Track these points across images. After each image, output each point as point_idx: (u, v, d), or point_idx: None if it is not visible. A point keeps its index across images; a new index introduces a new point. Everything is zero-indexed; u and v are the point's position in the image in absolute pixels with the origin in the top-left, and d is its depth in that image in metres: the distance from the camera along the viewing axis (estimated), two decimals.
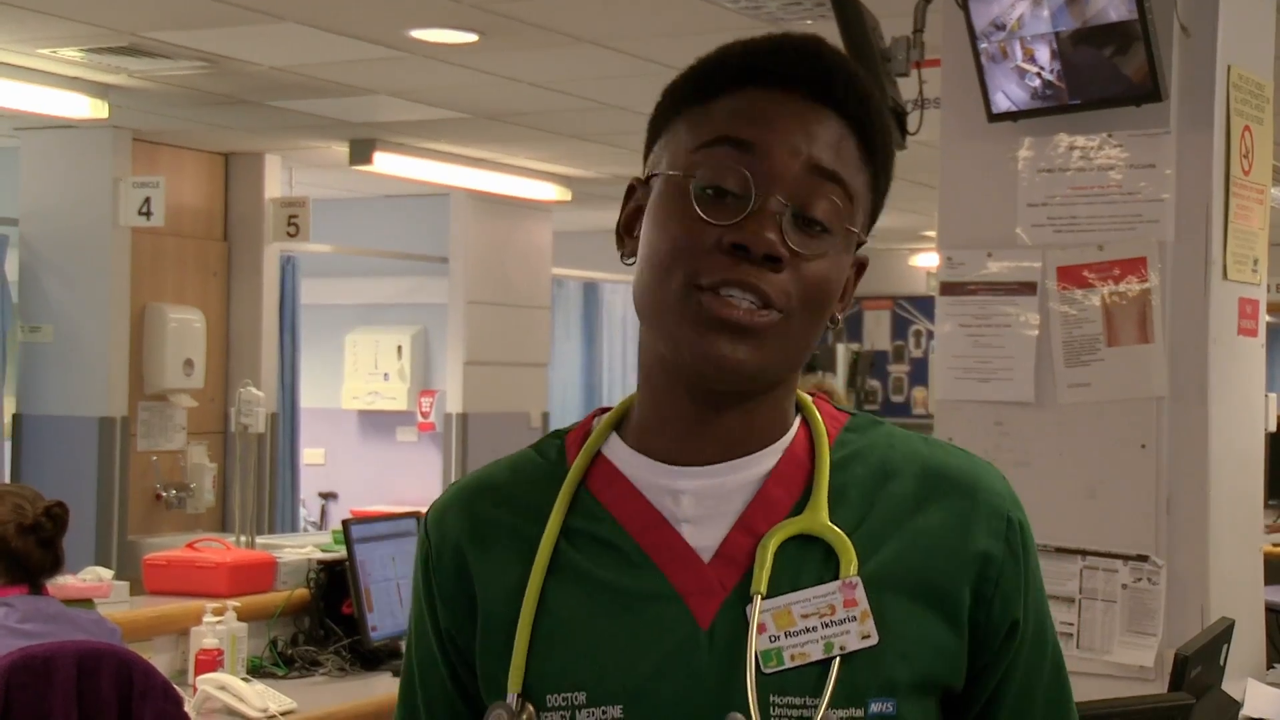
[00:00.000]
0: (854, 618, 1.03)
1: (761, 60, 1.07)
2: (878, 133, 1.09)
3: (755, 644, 1.02)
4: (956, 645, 1.07)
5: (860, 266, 1.12)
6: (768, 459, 1.09)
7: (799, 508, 1.07)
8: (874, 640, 1.03)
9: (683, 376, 1.07)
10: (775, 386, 1.08)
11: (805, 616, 1.03)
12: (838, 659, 1.02)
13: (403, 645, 4.06)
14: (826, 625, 1.03)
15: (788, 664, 1.03)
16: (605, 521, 1.08)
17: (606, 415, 1.14)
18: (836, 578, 1.05)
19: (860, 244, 1.10)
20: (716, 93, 1.07)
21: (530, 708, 1.05)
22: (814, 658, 1.03)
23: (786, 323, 1.04)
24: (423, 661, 1.15)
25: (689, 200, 1.04)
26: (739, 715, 1.01)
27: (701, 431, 1.07)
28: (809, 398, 1.13)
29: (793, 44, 1.08)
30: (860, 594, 1.04)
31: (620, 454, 1.10)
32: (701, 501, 1.07)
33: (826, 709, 1.01)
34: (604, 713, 1.03)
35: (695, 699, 1.03)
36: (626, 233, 1.12)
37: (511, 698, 1.05)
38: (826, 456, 1.09)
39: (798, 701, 1.02)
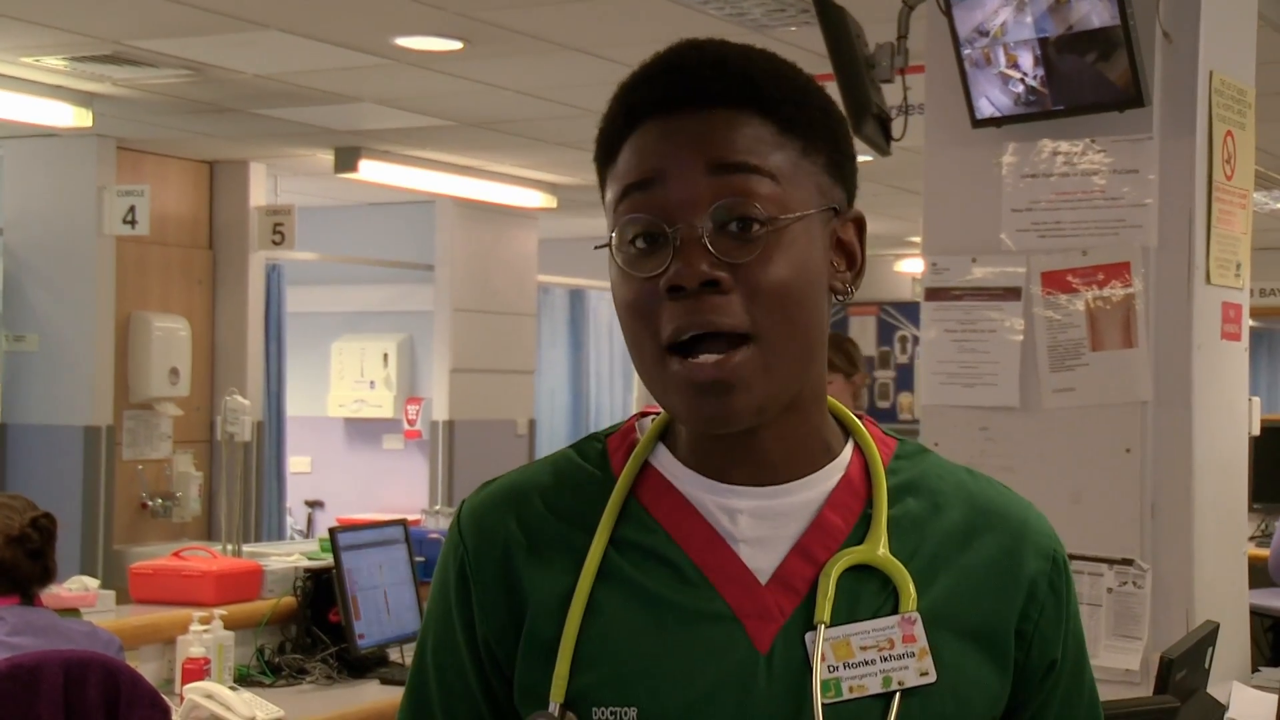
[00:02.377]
0: (913, 654, 1.03)
1: (640, 96, 1.05)
2: (782, 102, 1.03)
3: (819, 672, 1.01)
4: (1001, 686, 1.07)
5: (858, 224, 1.08)
6: (823, 482, 1.07)
7: (856, 536, 1.06)
8: (932, 678, 1.03)
9: None
10: (797, 401, 1.05)
11: (864, 649, 1.03)
12: (898, 694, 1.02)
13: (390, 653, 4.07)
14: (885, 659, 1.02)
15: (846, 695, 1.01)
16: (658, 534, 1.06)
17: (652, 424, 1.11)
18: (894, 610, 1.04)
19: (837, 205, 1.06)
20: (618, 145, 1.06)
21: (573, 716, 1.02)
22: (872, 690, 1.02)
23: (762, 346, 1.01)
24: (446, 674, 1.10)
25: (623, 266, 1.03)
26: None
27: (745, 455, 1.06)
28: (856, 418, 1.11)
29: (661, 64, 1.06)
30: (919, 630, 1.03)
31: (670, 467, 1.08)
32: (759, 523, 1.05)
33: None
34: None
35: None
36: None
37: (554, 706, 1.02)
38: (884, 489, 1.07)
39: None
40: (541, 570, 1.06)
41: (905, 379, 11.65)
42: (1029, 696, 1.09)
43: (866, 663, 1.02)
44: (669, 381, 1.02)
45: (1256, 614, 4.91)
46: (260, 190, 7.53)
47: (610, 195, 1.06)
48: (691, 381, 1.00)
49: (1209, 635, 2.37)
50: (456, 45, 5.02)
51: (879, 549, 1.05)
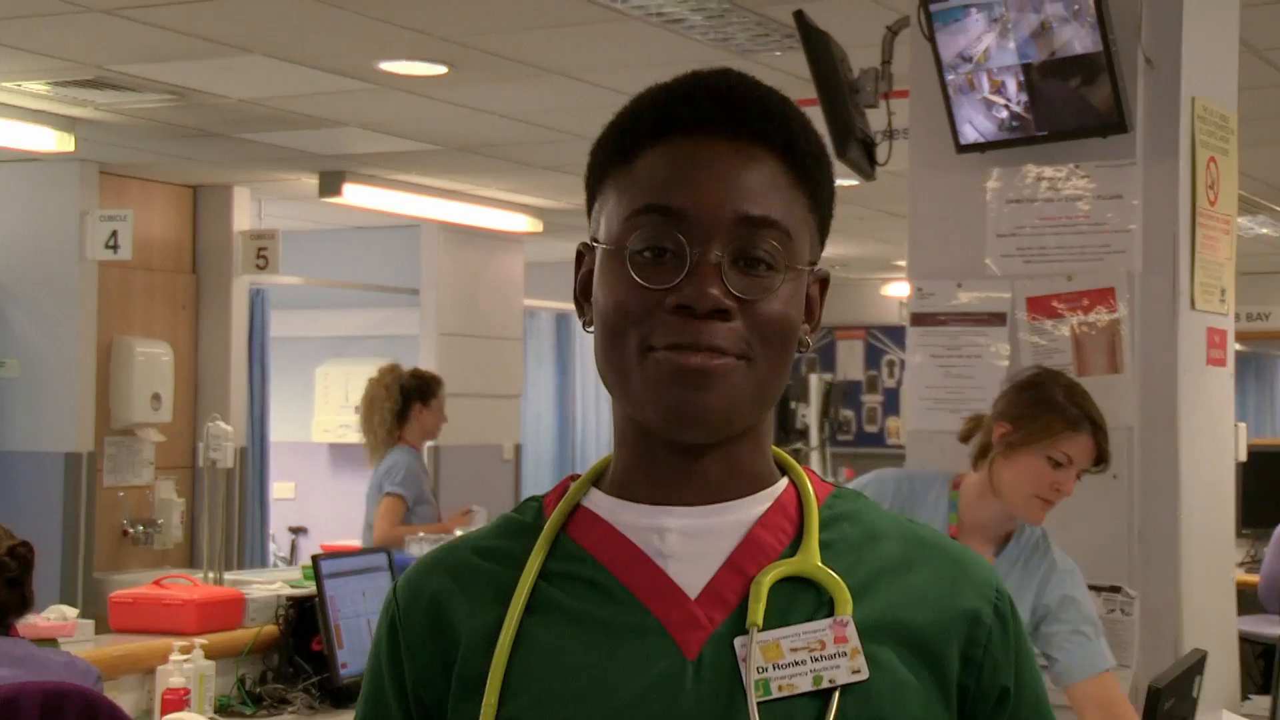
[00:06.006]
0: (844, 653, 1.03)
1: (675, 110, 1.08)
2: (805, 154, 1.09)
3: (753, 674, 1.02)
4: (944, 709, 1.06)
5: (823, 283, 1.13)
6: (755, 506, 1.09)
7: (788, 555, 1.07)
8: (864, 675, 1.03)
9: (657, 434, 1.07)
10: (751, 430, 1.09)
11: (794, 650, 1.03)
12: (838, 691, 1.02)
13: None
14: (816, 659, 1.03)
15: (775, 694, 1.02)
16: (586, 562, 1.08)
17: (584, 475, 1.15)
18: (829, 617, 1.05)
19: (814, 264, 1.11)
20: (637, 150, 1.08)
21: None
22: (801, 689, 1.02)
23: (750, 365, 1.05)
24: None
25: (627, 269, 1.06)
26: None
27: (684, 478, 1.08)
28: (796, 464, 1.14)
29: (704, 86, 1.08)
30: (851, 631, 1.04)
31: (601, 502, 1.11)
32: (688, 540, 1.07)
33: None
34: None
35: None
36: (584, 298, 1.13)
37: None
38: (814, 507, 1.10)
39: None
40: (471, 609, 1.08)
41: (893, 403, 11.66)
42: None
43: (796, 663, 1.03)
44: (648, 374, 1.05)
45: (1246, 640, 4.90)
46: (244, 215, 7.52)
47: (621, 202, 1.08)
48: (676, 367, 1.03)
49: (1197, 664, 2.37)
50: (441, 70, 5.03)
51: (812, 559, 1.07)
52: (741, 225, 1.05)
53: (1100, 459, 2.61)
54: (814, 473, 1.15)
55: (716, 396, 1.04)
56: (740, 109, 1.07)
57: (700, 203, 1.05)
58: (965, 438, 2.73)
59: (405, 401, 5.76)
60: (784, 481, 1.12)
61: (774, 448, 1.14)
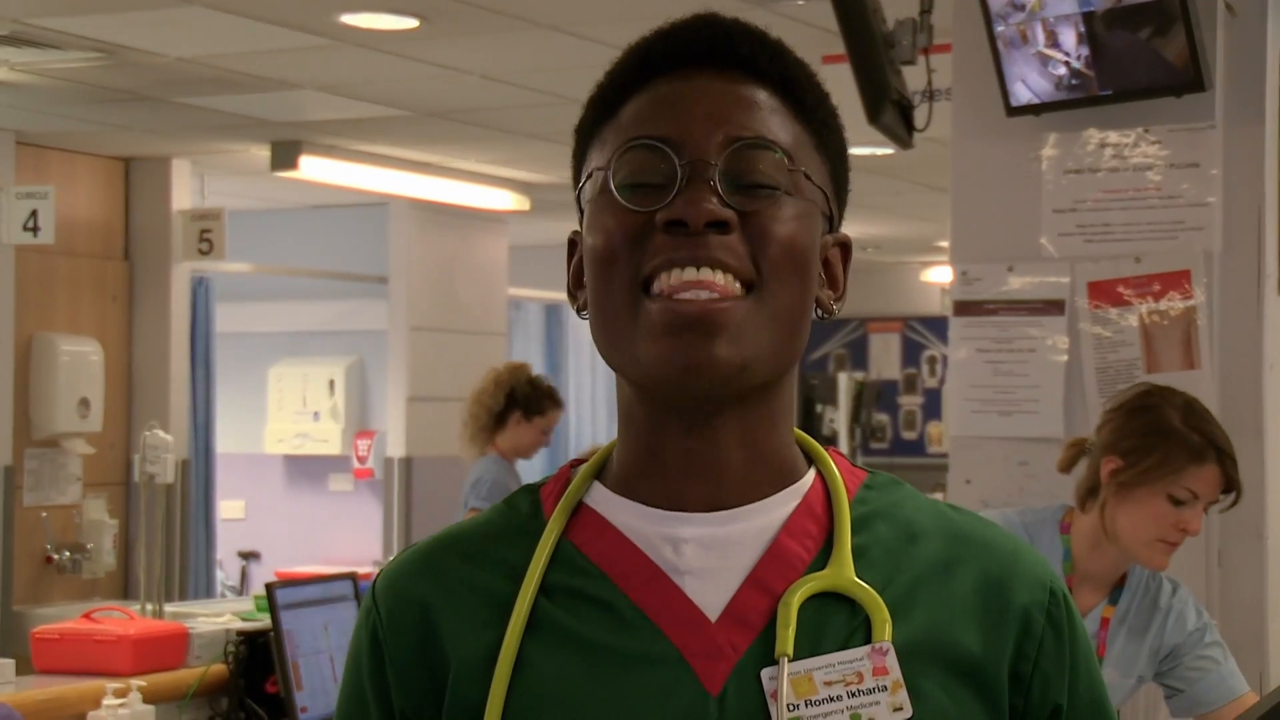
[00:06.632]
0: (884, 687, 1.06)
1: (657, 49, 1.12)
2: (807, 90, 1.13)
3: (783, 712, 1.04)
4: None
5: (844, 248, 1.15)
6: (779, 507, 1.11)
7: (817, 565, 1.10)
8: (907, 713, 1.05)
9: (665, 402, 1.09)
10: (770, 398, 1.10)
11: (829, 684, 1.05)
12: None
13: None
14: (853, 694, 1.05)
15: None
16: (593, 576, 1.10)
17: (585, 464, 1.16)
18: (865, 641, 1.07)
19: (830, 217, 1.13)
20: (622, 101, 1.12)
21: None
22: None
23: (759, 298, 1.07)
24: None
25: (614, 198, 1.08)
26: None
27: (699, 469, 1.10)
28: (822, 448, 1.16)
29: (686, 22, 1.12)
30: (892, 661, 1.06)
31: (606, 502, 1.13)
32: (706, 552, 1.09)
33: None
34: None
35: None
36: (576, 286, 1.15)
37: None
38: (846, 509, 1.12)
39: None
40: (464, 628, 1.10)
41: (934, 405, 11.68)
42: None
43: (831, 699, 1.05)
44: (642, 324, 1.06)
45: None
46: (184, 192, 7.54)
47: (605, 150, 1.11)
48: (673, 317, 1.05)
49: None
50: (412, 23, 5.04)
51: (846, 573, 1.09)
52: (734, 150, 1.08)
53: (1229, 487, 2.54)
54: (842, 457, 1.17)
55: (722, 345, 1.05)
56: (728, 41, 1.11)
57: (690, 130, 1.08)
58: (1066, 466, 2.68)
59: (508, 406, 5.82)
60: (810, 474, 1.14)
61: (796, 430, 1.15)
